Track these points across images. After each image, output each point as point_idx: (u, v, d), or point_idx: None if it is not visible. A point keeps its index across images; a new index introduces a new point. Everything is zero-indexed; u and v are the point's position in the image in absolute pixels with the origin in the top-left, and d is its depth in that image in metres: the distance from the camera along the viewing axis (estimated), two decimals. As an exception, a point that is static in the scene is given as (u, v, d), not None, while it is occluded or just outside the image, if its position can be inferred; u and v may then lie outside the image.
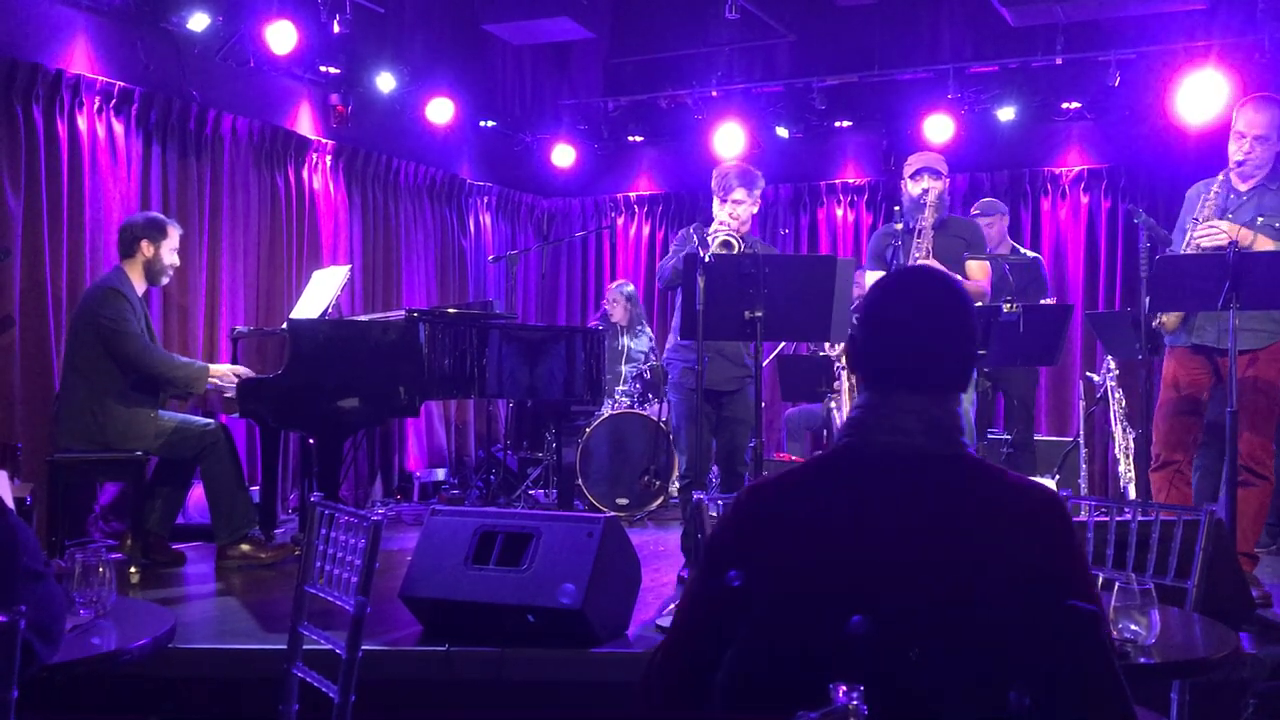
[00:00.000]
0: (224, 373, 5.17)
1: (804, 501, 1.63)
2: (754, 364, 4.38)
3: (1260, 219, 4.36)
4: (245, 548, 5.03)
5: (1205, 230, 4.32)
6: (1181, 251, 4.50)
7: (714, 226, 4.64)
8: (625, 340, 7.54)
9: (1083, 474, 6.48)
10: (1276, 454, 4.49)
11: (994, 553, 1.52)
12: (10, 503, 1.93)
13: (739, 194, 4.69)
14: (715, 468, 5.28)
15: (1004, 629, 1.47)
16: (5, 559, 1.80)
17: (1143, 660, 2.19)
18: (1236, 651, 2.34)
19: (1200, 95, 6.64)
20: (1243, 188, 4.46)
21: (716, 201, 4.76)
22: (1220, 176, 4.56)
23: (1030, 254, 6.51)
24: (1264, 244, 4.23)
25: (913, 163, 5.05)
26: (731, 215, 4.68)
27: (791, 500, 1.65)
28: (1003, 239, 6.46)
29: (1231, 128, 4.49)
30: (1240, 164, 4.40)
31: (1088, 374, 6.89)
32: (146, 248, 5.05)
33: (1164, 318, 4.51)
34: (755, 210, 4.82)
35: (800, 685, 1.44)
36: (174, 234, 5.15)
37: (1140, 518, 2.89)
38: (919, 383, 1.65)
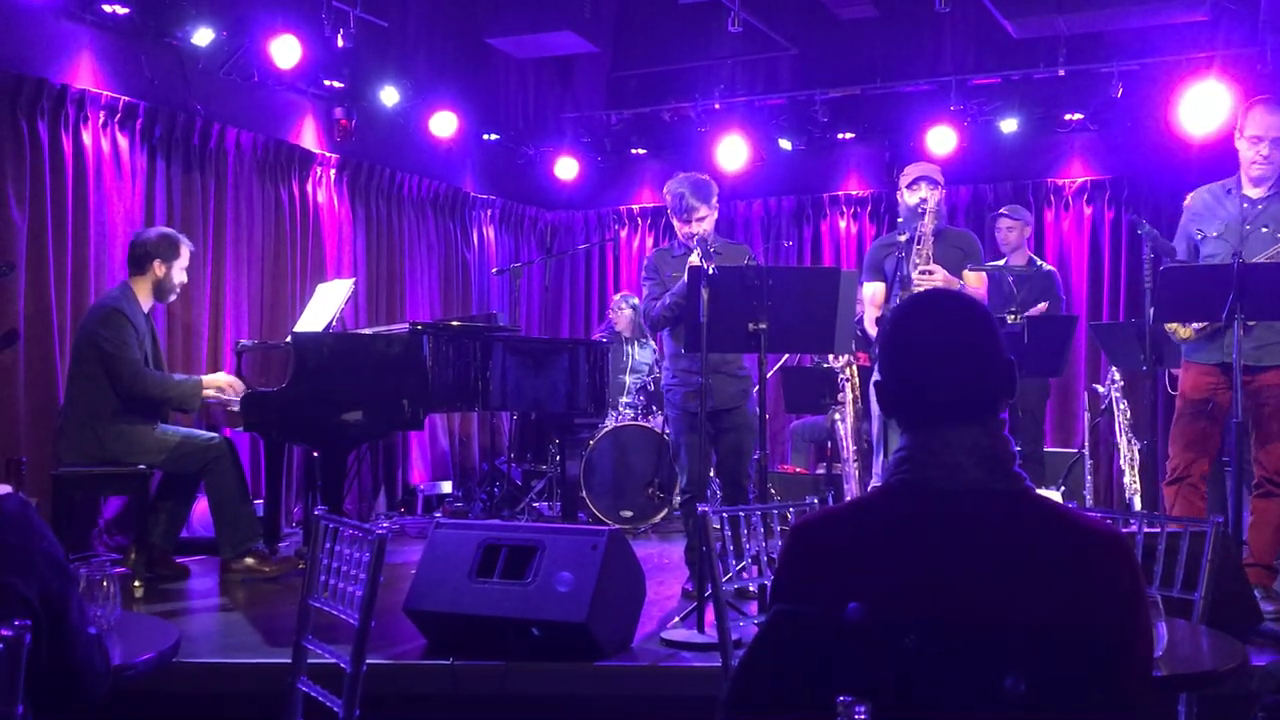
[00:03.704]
0: (219, 383, 5.15)
1: (856, 539, 1.59)
2: (758, 374, 4.37)
3: (1265, 228, 4.33)
4: (249, 561, 5.03)
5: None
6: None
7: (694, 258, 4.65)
8: (631, 350, 7.54)
9: (1088, 485, 6.47)
10: None
11: (1050, 594, 1.47)
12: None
13: (702, 211, 4.76)
14: (716, 480, 5.27)
15: (1049, 670, 1.43)
16: (25, 537, 1.83)
17: (1150, 673, 2.18)
18: (1244, 664, 2.33)
19: (1202, 106, 6.65)
20: (1255, 194, 4.40)
21: (678, 223, 4.81)
22: (1225, 183, 4.50)
23: (1046, 266, 6.50)
24: None
25: (909, 172, 5.06)
26: (697, 232, 4.73)
27: (842, 537, 1.61)
28: (1020, 246, 6.46)
29: (1241, 132, 4.39)
30: (1260, 167, 4.32)
31: (1092, 385, 6.88)
32: (159, 266, 5.04)
33: (1179, 329, 4.48)
34: (715, 216, 4.86)
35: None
36: (186, 253, 5.14)
37: (1146, 529, 2.88)
38: (963, 415, 1.59)
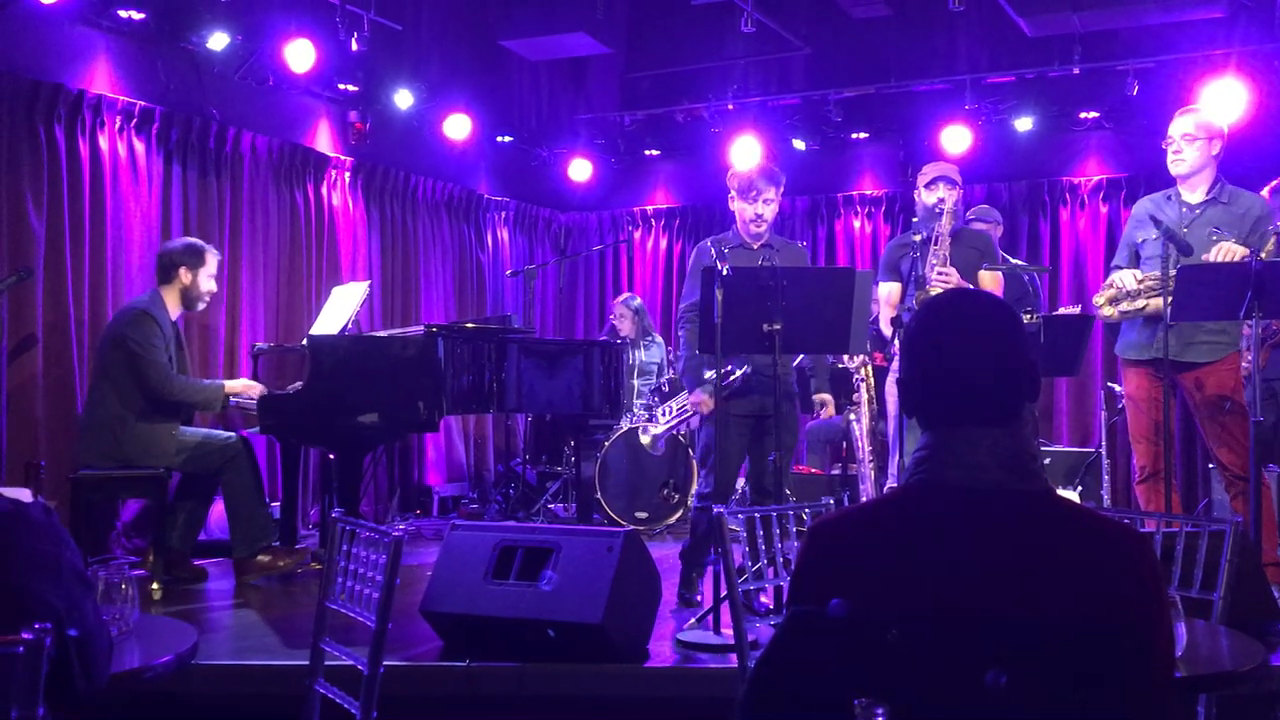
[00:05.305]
0: (240, 388, 5.19)
1: (874, 539, 1.59)
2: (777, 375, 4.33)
3: (1213, 233, 4.44)
4: (263, 559, 5.04)
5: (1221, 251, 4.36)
6: (1126, 268, 4.61)
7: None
8: (636, 354, 7.51)
9: (1105, 485, 6.44)
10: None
11: (1071, 595, 1.47)
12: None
13: (770, 193, 4.60)
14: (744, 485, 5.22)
15: (1070, 671, 1.42)
16: (53, 544, 1.83)
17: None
18: (1264, 664, 2.32)
19: (1219, 104, 6.61)
20: (1193, 199, 4.55)
21: (743, 204, 4.63)
22: (1166, 191, 4.68)
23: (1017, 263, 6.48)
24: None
25: (927, 172, 5.04)
26: (757, 215, 4.61)
27: (860, 538, 1.60)
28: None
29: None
30: (1174, 165, 4.54)
31: (1109, 384, 6.84)
32: (185, 275, 5.07)
33: (1105, 307, 4.57)
34: (776, 208, 4.73)
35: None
36: (212, 260, 5.17)
37: (1164, 529, 2.87)
38: (985, 415, 1.58)
